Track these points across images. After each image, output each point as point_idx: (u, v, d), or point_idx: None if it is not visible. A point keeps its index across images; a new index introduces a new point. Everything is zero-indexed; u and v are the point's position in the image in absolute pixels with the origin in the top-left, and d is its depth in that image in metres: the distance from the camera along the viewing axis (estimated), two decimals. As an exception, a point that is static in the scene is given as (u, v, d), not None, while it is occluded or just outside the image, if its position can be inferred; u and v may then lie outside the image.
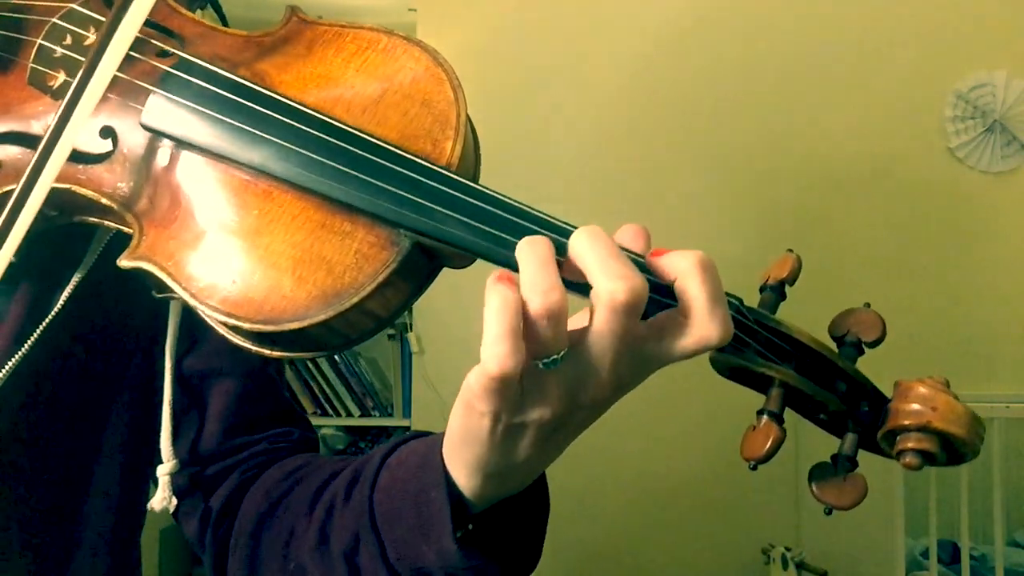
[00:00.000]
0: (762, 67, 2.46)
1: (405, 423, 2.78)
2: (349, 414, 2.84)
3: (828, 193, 2.45)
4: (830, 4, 2.46)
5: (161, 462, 0.62)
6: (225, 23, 0.59)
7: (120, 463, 0.64)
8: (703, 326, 0.40)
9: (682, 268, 0.41)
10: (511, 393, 0.40)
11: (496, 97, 2.45)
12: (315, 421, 2.85)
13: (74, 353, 0.61)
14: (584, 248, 0.40)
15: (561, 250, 0.42)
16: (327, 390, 2.84)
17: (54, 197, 0.49)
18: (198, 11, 0.59)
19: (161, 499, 0.61)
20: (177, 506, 0.64)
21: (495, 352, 0.38)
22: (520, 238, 0.42)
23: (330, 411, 2.85)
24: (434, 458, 0.48)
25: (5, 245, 0.46)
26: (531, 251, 0.40)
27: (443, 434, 0.49)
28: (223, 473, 0.64)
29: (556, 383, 0.41)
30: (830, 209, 2.44)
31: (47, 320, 0.57)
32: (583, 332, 0.40)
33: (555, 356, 0.40)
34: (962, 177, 2.42)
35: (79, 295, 0.58)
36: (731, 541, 2.36)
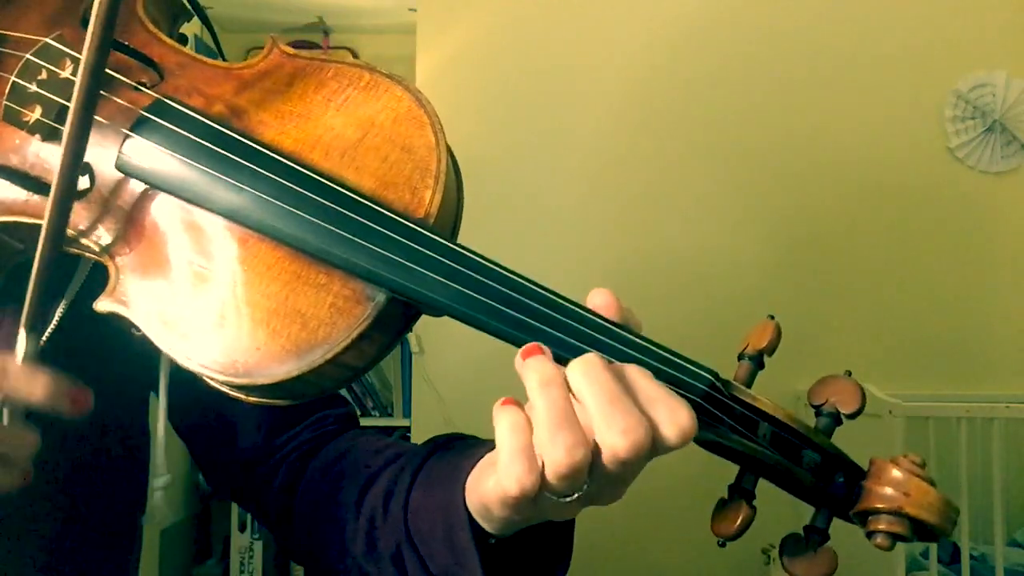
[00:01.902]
0: (762, 68, 2.46)
1: (405, 423, 2.78)
2: (349, 414, 2.84)
3: (827, 193, 2.45)
4: (830, 5, 2.46)
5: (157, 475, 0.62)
6: (215, 37, 0.58)
7: (122, 479, 0.64)
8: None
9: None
10: (529, 504, 0.41)
11: (497, 97, 2.45)
12: (315, 421, 2.86)
13: (75, 368, 0.60)
14: (582, 387, 0.40)
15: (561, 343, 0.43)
16: (327, 390, 2.84)
17: (24, 231, 0.49)
18: (184, 23, 0.58)
19: (156, 512, 0.62)
20: (249, 506, 0.67)
21: (512, 472, 0.39)
22: (495, 300, 0.43)
23: (330, 411, 2.85)
24: (457, 498, 0.48)
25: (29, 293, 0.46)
26: (548, 399, 0.40)
27: (467, 458, 0.50)
28: (271, 471, 0.65)
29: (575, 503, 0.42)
30: (830, 208, 2.44)
31: (47, 333, 0.54)
32: (595, 465, 0.41)
33: (573, 496, 0.40)
34: (962, 177, 2.42)
35: (65, 326, 0.56)
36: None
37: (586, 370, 0.41)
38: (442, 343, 2.51)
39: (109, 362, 0.62)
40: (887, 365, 2.33)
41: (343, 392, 2.82)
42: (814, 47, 2.45)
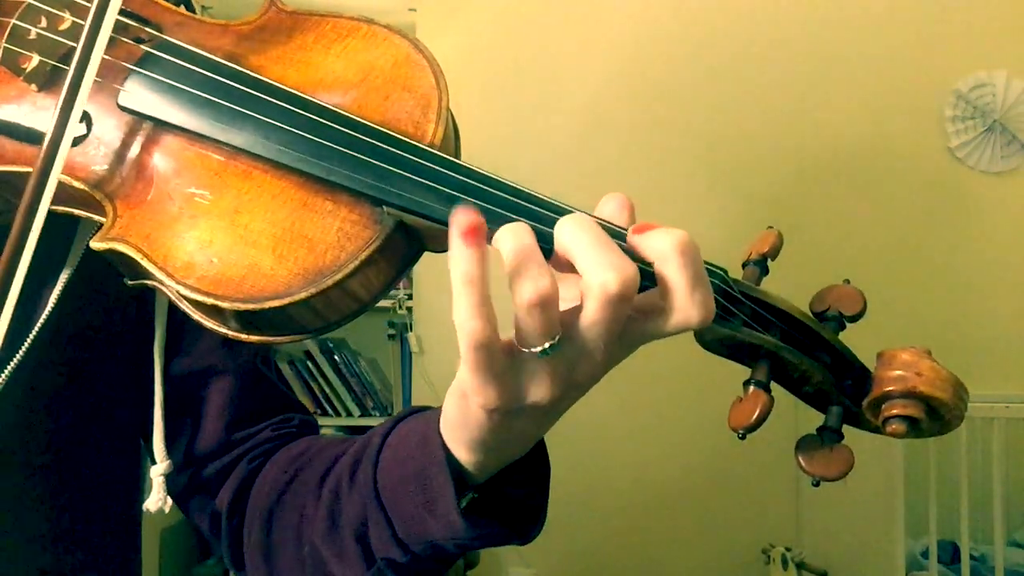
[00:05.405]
0: (762, 67, 2.46)
1: (405, 423, 2.78)
2: (349, 414, 2.84)
3: (828, 192, 2.45)
4: (831, 4, 2.46)
5: (155, 463, 0.61)
6: None
7: (118, 465, 0.64)
8: (684, 310, 0.40)
9: (661, 251, 0.40)
10: (498, 369, 0.40)
11: (496, 97, 2.45)
12: (315, 421, 2.86)
13: (68, 355, 0.60)
14: (571, 237, 0.40)
15: (546, 235, 0.41)
16: (327, 390, 2.84)
17: (18, 184, 0.48)
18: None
19: (156, 500, 0.61)
20: (187, 505, 0.64)
21: (469, 327, 0.38)
22: (507, 212, 0.42)
23: (330, 411, 2.85)
24: (433, 436, 0.48)
25: (26, 247, 0.45)
26: (514, 239, 0.39)
27: (440, 409, 0.49)
28: (229, 467, 0.64)
29: (550, 368, 0.41)
30: (830, 208, 2.44)
31: (42, 319, 0.56)
32: (574, 318, 0.40)
33: (550, 343, 0.39)
34: (962, 177, 2.42)
35: (69, 293, 0.57)
36: (731, 541, 2.36)
37: (576, 220, 0.41)
38: (442, 343, 2.51)
39: (108, 339, 0.62)
40: (887, 365, 2.33)
41: (345, 392, 2.78)
42: (814, 46, 2.45)
